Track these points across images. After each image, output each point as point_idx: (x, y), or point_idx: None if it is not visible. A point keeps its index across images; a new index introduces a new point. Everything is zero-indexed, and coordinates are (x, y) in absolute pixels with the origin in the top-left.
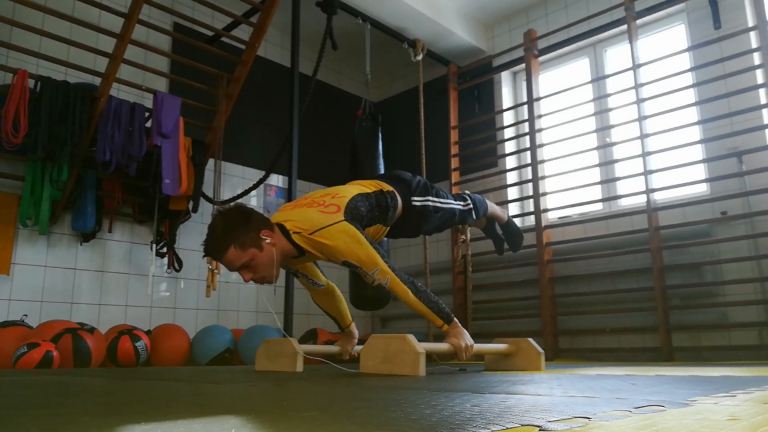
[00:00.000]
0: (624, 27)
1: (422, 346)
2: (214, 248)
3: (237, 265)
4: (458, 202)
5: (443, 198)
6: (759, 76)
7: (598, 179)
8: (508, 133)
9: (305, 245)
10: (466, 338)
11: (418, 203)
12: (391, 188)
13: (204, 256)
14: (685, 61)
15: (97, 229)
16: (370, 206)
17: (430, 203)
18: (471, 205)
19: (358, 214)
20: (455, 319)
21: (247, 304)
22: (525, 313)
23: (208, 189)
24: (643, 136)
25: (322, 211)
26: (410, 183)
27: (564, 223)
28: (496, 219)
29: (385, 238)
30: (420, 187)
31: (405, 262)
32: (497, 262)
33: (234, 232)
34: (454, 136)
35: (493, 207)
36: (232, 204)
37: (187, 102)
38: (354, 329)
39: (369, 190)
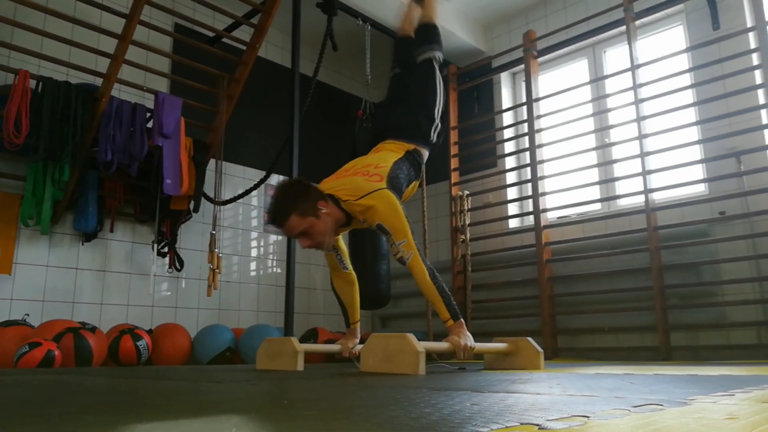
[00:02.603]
0: (623, 28)
1: (422, 345)
2: (277, 215)
3: (296, 232)
4: (439, 76)
5: (439, 96)
6: (757, 77)
7: (597, 179)
8: (508, 133)
9: (353, 211)
10: (468, 339)
11: (435, 136)
12: (413, 146)
13: (266, 223)
14: (684, 61)
15: (99, 228)
16: (406, 169)
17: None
18: (440, 55)
19: (397, 183)
20: (462, 319)
21: (248, 304)
22: (524, 312)
23: (209, 189)
24: (641, 137)
25: (367, 180)
26: (420, 127)
27: (563, 223)
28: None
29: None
30: (428, 120)
31: None
32: (497, 261)
33: (295, 202)
34: (453, 136)
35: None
36: (293, 177)
37: (188, 102)
38: (358, 329)
39: (400, 154)
